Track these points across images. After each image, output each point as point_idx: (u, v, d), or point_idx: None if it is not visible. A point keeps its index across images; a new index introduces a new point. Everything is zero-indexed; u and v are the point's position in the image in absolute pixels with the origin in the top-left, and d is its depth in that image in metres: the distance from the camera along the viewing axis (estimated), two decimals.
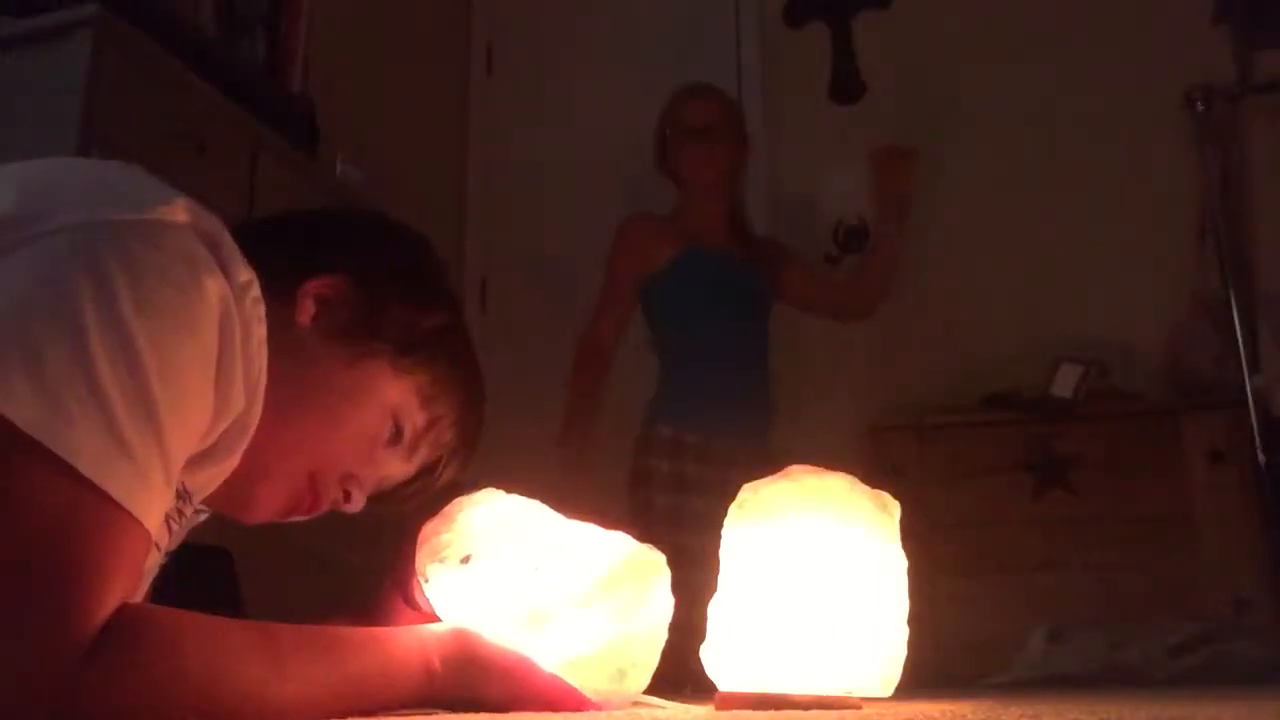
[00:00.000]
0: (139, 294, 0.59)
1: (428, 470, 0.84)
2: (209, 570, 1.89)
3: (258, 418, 0.69)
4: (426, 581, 0.76)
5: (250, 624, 0.64)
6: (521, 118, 3.32)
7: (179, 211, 0.64)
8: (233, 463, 0.70)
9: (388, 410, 0.79)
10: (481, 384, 0.87)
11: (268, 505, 0.78)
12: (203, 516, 0.83)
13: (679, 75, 3.17)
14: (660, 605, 0.74)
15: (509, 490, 0.81)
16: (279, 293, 0.72)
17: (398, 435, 0.80)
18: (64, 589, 0.54)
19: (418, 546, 0.77)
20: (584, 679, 0.70)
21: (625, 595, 0.71)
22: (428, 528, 0.78)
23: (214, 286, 0.63)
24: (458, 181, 3.33)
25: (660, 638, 0.75)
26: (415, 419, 0.81)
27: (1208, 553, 2.21)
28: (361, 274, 0.79)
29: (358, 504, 0.81)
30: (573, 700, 0.70)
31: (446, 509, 0.78)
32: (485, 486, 0.81)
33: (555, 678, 0.70)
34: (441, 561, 0.75)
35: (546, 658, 0.71)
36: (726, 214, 2.35)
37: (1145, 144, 2.67)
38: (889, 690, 0.78)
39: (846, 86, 2.99)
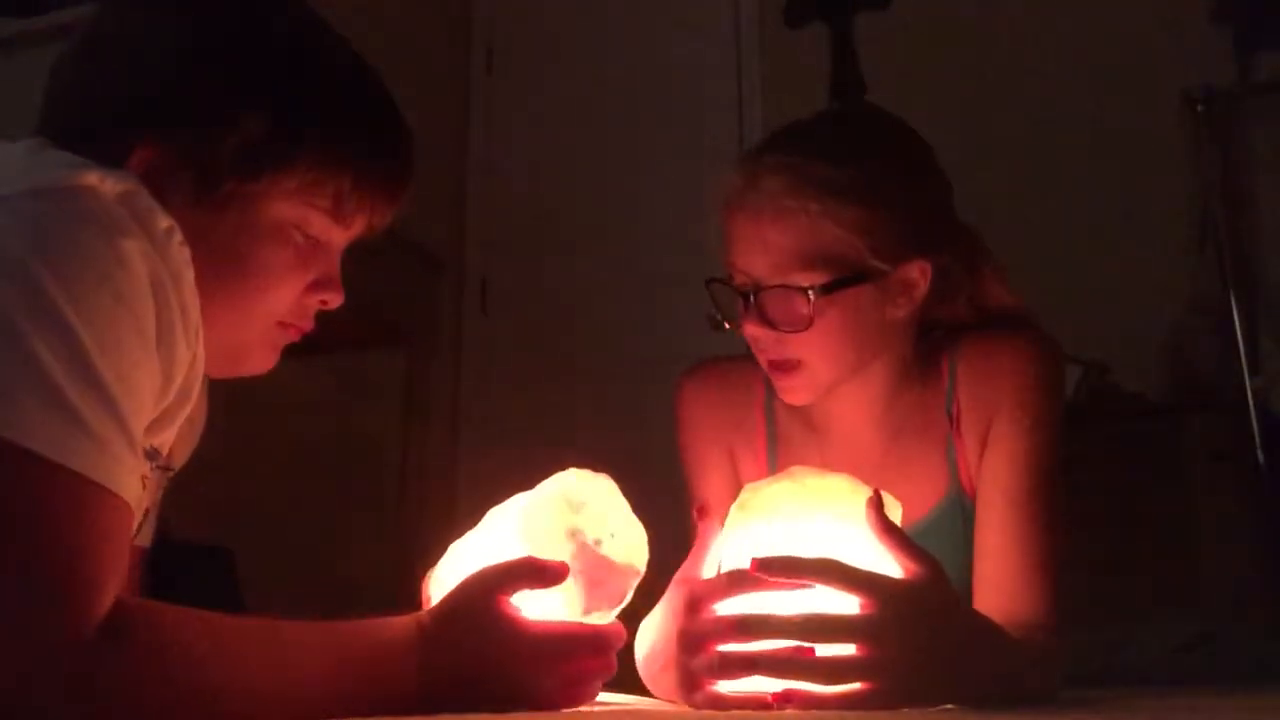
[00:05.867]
0: (57, 266, 0.58)
1: (373, 218, 0.81)
2: (209, 570, 1.89)
3: (203, 360, 0.69)
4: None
5: (252, 619, 0.64)
6: (521, 118, 3.32)
7: (83, 177, 0.62)
8: (187, 409, 0.70)
9: (287, 228, 0.75)
10: (362, 112, 0.79)
11: (264, 361, 0.80)
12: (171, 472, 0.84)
13: (679, 75, 3.18)
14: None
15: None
16: None
17: (314, 237, 0.77)
18: (60, 577, 0.54)
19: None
20: (537, 521, 0.74)
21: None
22: None
23: (133, 247, 0.62)
24: (458, 181, 3.33)
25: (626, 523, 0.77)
26: (320, 208, 0.76)
27: (1208, 553, 2.20)
28: (162, 127, 0.71)
29: (336, 298, 0.81)
30: (558, 634, 0.71)
31: None
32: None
33: (542, 623, 0.71)
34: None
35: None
36: None
37: (1145, 144, 2.66)
38: None
39: (846, 86, 2.99)
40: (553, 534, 0.74)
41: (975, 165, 2.74)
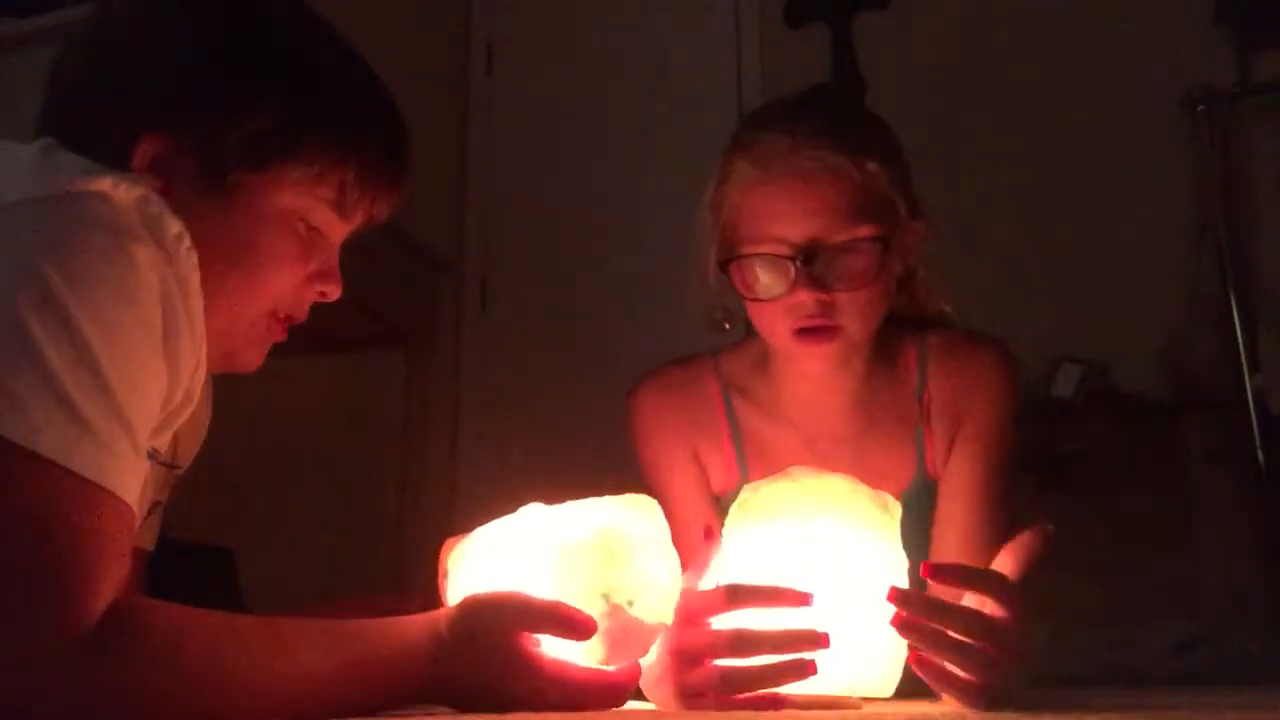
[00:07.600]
0: (68, 271, 0.58)
1: (373, 210, 0.82)
2: (210, 570, 1.89)
3: (205, 366, 0.70)
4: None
5: (253, 618, 0.64)
6: (521, 118, 3.32)
7: (97, 183, 0.62)
8: (188, 412, 0.71)
9: (291, 219, 0.76)
10: (364, 105, 0.80)
11: (254, 357, 0.80)
12: (178, 472, 0.85)
13: (679, 75, 3.18)
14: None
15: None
16: None
17: (317, 228, 0.78)
18: (57, 576, 0.54)
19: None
20: (574, 570, 0.71)
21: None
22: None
23: (144, 254, 0.62)
24: (458, 181, 3.33)
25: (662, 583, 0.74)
26: (323, 199, 0.77)
27: (1208, 553, 2.20)
28: (167, 120, 0.72)
29: (335, 289, 0.81)
30: (576, 681, 0.70)
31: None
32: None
33: (561, 665, 0.70)
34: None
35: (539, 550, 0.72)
36: None
37: (1145, 144, 2.67)
38: (889, 690, 0.78)
39: (846, 86, 2.99)
40: (585, 588, 0.72)
41: (975, 165, 2.74)
